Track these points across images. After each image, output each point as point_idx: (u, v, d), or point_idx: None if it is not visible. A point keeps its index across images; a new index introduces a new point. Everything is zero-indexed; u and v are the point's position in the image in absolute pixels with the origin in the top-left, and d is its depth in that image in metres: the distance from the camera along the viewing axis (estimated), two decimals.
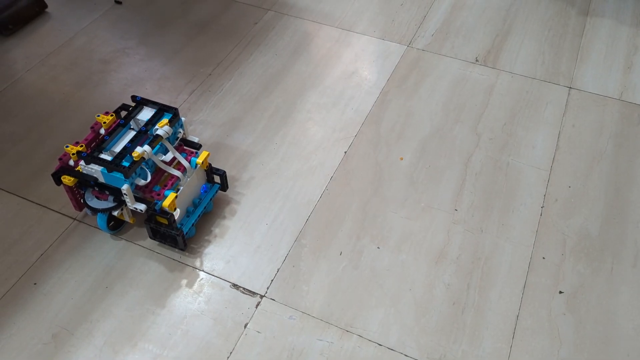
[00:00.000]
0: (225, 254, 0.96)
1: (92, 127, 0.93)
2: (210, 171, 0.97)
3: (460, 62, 1.32)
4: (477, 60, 1.32)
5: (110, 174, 0.86)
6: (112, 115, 0.92)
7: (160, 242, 0.95)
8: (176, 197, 0.88)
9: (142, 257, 0.95)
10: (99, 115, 0.92)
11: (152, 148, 0.87)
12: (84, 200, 0.90)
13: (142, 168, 0.88)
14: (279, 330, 0.87)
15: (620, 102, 1.22)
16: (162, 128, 0.89)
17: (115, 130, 0.90)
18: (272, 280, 0.92)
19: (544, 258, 0.96)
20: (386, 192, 1.05)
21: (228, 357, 0.84)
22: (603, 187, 1.06)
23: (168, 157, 0.92)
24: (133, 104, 0.96)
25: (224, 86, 1.26)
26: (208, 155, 0.94)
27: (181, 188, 0.90)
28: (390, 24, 1.43)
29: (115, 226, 0.96)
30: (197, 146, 0.95)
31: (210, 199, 0.97)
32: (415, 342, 0.85)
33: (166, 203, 0.86)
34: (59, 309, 0.89)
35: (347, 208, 1.03)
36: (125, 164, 0.85)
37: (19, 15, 1.39)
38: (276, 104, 1.22)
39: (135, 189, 0.89)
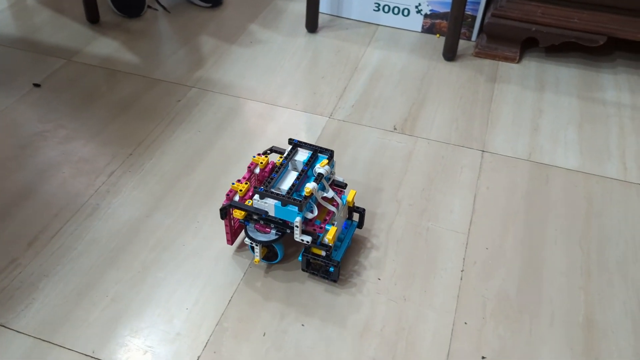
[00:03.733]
0: (142, 344, 0.92)
1: (248, 167, 1.04)
2: (352, 209, 1.07)
3: (380, 131, 1.37)
4: (395, 129, 1.37)
5: (284, 207, 0.94)
6: (266, 156, 1.04)
7: (311, 273, 1.03)
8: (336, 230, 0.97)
9: (50, 355, 0.89)
10: (254, 157, 1.04)
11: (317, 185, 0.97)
12: (247, 233, 1.00)
13: (309, 203, 0.96)
14: None
15: (530, 163, 1.28)
16: (323, 167, 0.99)
17: (279, 170, 1.00)
18: None
19: (465, 323, 0.97)
20: None
21: None
22: (518, 247, 1.09)
23: (324, 194, 1.00)
24: (288, 147, 1.09)
25: (144, 166, 1.25)
26: (355, 193, 1.04)
27: (335, 223, 0.99)
28: (312, 97, 1.47)
29: (269, 257, 1.05)
30: (344, 185, 1.05)
31: (351, 236, 1.06)
32: None
33: (329, 235, 0.95)
34: None
35: (271, 286, 1.01)
36: (297, 198, 0.94)
37: None
38: (198, 182, 1.21)
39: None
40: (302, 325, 0.95)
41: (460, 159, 1.29)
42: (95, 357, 0.90)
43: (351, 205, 1.05)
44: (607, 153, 1.32)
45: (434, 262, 1.06)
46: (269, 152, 1.07)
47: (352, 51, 1.65)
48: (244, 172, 1.24)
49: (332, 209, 0.99)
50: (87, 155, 1.27)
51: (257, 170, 1.04)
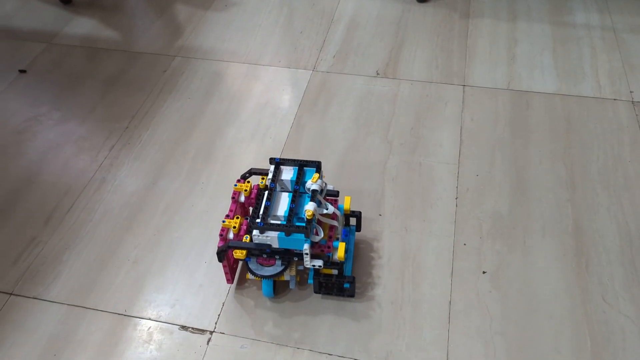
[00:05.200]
0: (170, 298, 0.98)
1: (232, 197, 0.97)
2: (349, 215, 1.00)
3: (363, 77, 1.41)
4: (378, 74, 1.42)
5: (289, 237, 0.87)
6: (248, 182, 0.96)
7: (324, 294, 0.97)
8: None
9: (85, 318, 0.96)
10: (236, 185, 0.96)
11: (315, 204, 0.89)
12: (251, 270, 0.91)
13: (313, 225, 0.90)
14: None
15: (509, 92, 1.34)
16: (316, 183, 0.91)
17: (270, 195, 0.92)
18: (219, 315, 0.96)
19: (465, 244, 1.04)
20: None
21: None
22: (506, 171, 1.16)
23: (322, 210, 0.93)
24: (268, 167, 0.99)
25: (142, 137, 1.29)
26: (350, 200, 0.98)
27: (339, 237, 0.94)
28: (294, 52, 1.50)
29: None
30: (336, 193, 0.98)
31: (354, 242, 1.01)
32: (362, 345, 0.91)
33: (340, 253, 0.89)
34: None
35: None
36: (300, 224, 0.87)
37: None
38: (196, 146, 1.26)
39: None
40: None
41: (443, 95, 1.34)
42: (128, 314, 0.96)
43: (348, 213, 0.99)
44: (581, 73, 1.38)
45: (430, 193, 1.13)
46: (248, 175, 0.99)
47: (327, 3, 1.67)
48: (238, 133, 1.29)
49: (334, 223, 0.93)
50: (84, 133, 1.30)
51: (242, 199, 0.97)
